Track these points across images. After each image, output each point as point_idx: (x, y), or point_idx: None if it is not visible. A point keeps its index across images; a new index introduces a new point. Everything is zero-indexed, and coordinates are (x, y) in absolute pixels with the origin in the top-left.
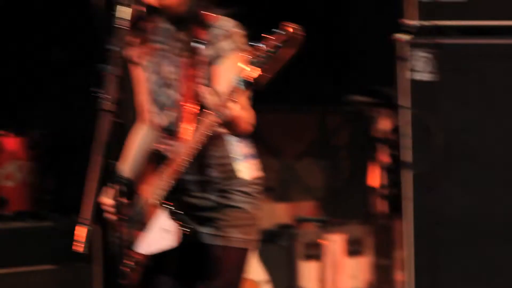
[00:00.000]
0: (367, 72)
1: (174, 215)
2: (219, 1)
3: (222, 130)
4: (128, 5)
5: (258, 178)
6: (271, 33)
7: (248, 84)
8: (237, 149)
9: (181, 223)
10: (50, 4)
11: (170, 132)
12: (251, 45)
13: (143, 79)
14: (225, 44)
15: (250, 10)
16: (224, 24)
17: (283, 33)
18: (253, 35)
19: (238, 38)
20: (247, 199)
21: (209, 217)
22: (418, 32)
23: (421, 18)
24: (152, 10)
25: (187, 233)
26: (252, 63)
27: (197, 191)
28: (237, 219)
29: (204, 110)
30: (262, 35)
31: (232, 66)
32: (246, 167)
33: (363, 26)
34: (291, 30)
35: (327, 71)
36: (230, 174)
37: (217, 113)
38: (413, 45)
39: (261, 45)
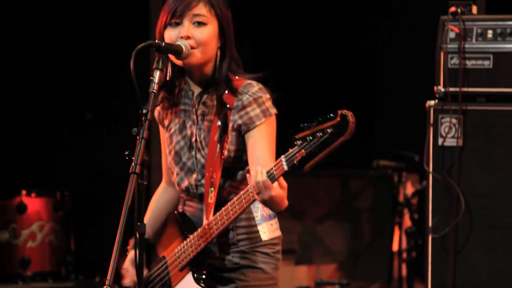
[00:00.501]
0: (392, 136)
1: (199, 279)
2: (243, 64)
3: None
4: (161, 69)
5: (277, 238)
6: (325, 117)
7: (293, 166)
8: (258, 211)
9: (205, 286)
10: (84, 66)
11: (192, 194)
12: (302, 126)
13: (167, 141)
14: (252, 111)
15: (275, 74)
16: (250, 88)
17: (334, 118)
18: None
19: (265, 102)
20: (266, 259)
21: (229, 277)
22: (445, 98)
23: (448, 84)
24: (180, 72)
25: None
26: (300, 145)
27: (217, 252)
28: (256, 279)
29: (230, 177)
30: (319, 118)
31: (264, 138)
32: (266, 228)
33: (390, 90)
34: (342, 116)
35: (352, 136)
36: (250, 235)
37: (258, 193)
38: (440, 111)
39: (309, 126)
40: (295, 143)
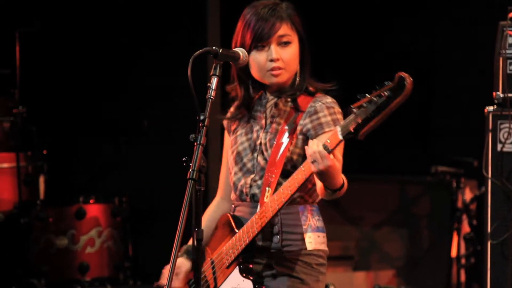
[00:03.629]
0: (450, 142)
1: (245, 272)
2: (316, 75)
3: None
4: (218, 76)
5: (323, 251)
6: (382, 85)
7: (348, 133)
8: (307, 220)
9: (253, 279)
10: (142, 75)
11: (245, 194)
12: (359, 96)
13: (232, 141)
14: (323, 117)
15: (347, 86)
16: (325, 98)
17: (392, 82)
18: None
19: (337, 114)
20: (308, 270)
21: (269, 285)
22: (504, 103)
23: (507, 90)
24: (259, 86)
25: None
26: (355, 113)
27: (260, 257)
28: None
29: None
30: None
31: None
32: (312, 239)
33: (448, 96)
34: (399, 77)
35: (409, 142)
36: (296, 242)
37: (314, 162)
38: (499, 117)
39: (365, 96)
40: (351, 111)
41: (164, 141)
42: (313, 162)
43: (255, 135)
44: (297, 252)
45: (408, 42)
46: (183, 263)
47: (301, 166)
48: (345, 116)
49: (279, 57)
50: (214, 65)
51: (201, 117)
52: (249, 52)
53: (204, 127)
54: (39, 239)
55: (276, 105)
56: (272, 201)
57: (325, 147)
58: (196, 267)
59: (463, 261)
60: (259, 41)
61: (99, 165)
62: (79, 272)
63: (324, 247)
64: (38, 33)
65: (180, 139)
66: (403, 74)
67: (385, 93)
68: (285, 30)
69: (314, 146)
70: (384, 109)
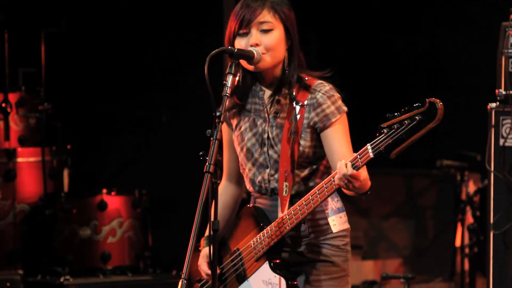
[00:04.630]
0: (455, 137)
1: (276, 268)
2: (310, 63)
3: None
4: (234, 74)
5: (346, 230)
6: (411, 106)
7: (379, 152)
8: (328, 204)
9: (284, 275)
10: (162, 72)
11: (264, 189)
12: (388, 115)
13: (231, 139)
14: (327, 108)
15: (344, 73)
16: (323, 87)
17: (423, 105)
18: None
19: (338, 100)
20: (337, 252)
21: (300, 271)
22: (506, 100)
23: (509, 87)
24: (251, 76)
25: (290, 285)
26: (386, 133)
27: (290, 245)
28: (327, 273)
29: (303, 171)
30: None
31: (341, 133)
32: (335, 221)
33: (453, 94)
34: (431, 103)
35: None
36: (321, 228)
37: (346, 184)
38: (501, 113)
39: (396, 115)
40: (382, 131)
41: (182, 136)
42: (346, 184)
43: (260, 129)
44: (324, 237)
45: (416, 41)
46: (208, 251)
47: (331, 178)
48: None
49: (258, 42)
50: (229, 64)
51: (217, 114)
52: (234, 40)
53: (220, 123)
54: (63, 229)
55: (278, 101)
56: (300, 207)
57: (353, 164)
58: (214, 256)
59: (467, 250)
60: (241, 28)
61: (121, 159)
62: (101, 261)
63: (346, 225)
64: (63, 33)
65: (197, 135)
66: (434, 99)
67: (417, 117)
68: (265, 17)
69: (343, 169)
70: (416, 133)
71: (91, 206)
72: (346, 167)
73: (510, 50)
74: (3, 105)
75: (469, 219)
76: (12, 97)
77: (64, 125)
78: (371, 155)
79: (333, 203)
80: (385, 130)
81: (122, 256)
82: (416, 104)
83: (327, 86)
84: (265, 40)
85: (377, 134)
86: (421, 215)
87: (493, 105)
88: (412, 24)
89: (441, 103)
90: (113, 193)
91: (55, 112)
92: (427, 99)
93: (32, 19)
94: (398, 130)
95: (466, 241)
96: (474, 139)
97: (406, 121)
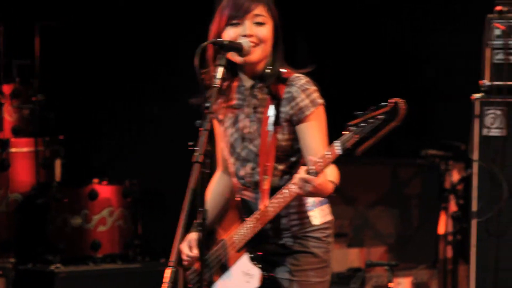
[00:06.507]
0: (440, 127)
1: (255, 260)
2: (299, 60)
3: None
4: (223, 66)
5: (328, 222)
6: (377, 106)
7: (346, 149)
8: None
9: (262, 267)
10: (155, 63)
11: (248, 182)
12: (355, 114)
13: (221, 133)
14: (301, 102)
15: (320, 66)
16: (298, 81)
17: (387, 105)
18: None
19: (313, 93)
20: (318, 244)
21: (282, 262)
22: (490, 91)
23: (493, 78)
24: (233, 69)
25: (266, 277)
26: (353, 131)
27: (271, 237)
28: (308, 263)
29: (282, 164)
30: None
31: (315, 127)
32: (318, 213)
33: (439, 85)
34: (395, 103)
35: (402, 127)
36: (303, 221)
37: (300, 188)
38: (485, 103)
39: (363, 114)
40: (349, 129)
41: (173, 127)
42: (300, 188)
43: (241, 124)
44: (306, 229)
45: (403, 32)
46: (195, 235)
47: (288, 189)
48: (333, 101)
49: (253, 33)
50: (219, 56)
51: (207, 104)
52: (222, 31)
53: (209, 114)
54: (55, 218)
55: (255, 96)
56: (277, 201)
57: (311, 172)
58: (202, 244)
59: (450, 238)
60: (234, 18)
61: (112, 149)
62: (92, 249)
63: (329, 217)
64: (57, 26)
65: (188, 126)
66: (397, 99)
67: (381, 116)
68: (260, 11)
69: (300, 173)
70: (379, 131)
71: (82, 195)
72: (303, 171)
73: (494, 42)
74: None
75: (453, 207)
76: (7, 89)
77: (57, 116)
78: (339, 151)
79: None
80: (351, 128)
81: (112, 245)
82: (381, 104)
83: (303, 80)
84: (259, 33)
85: (344, 132)
86: (406, 204)
87: (478, 95)
88: (398, 16)
89: (403, 104)
90: (104, 182)
91: (48, 104)
92: (390, 100)
93: (26, 12)
94: (363, 129)
95: (450, 229)
96: (459, 129)
97: (371, 120)
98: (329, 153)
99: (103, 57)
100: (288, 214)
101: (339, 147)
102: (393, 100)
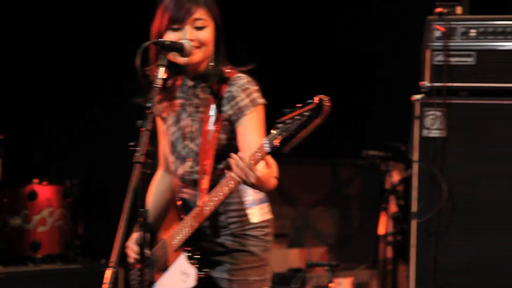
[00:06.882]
0: (380, 128)
1: (192, 259)
2: (240, 60)
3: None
4: (165, 66)
5: (267, 220)
6: (304, 103)
7: (274, 147)
8: (249, 194)
9: (198, 266)
10: (95, 63)
11: (187, 181)
12: (281, 112)
13: (164, 131)
14: (241, 101)
15: (262, 66)
16: (239, 80)
17: (312, 102)
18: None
19: (253, 93)
20: (256, 242)
21: (221, 260)
22: (430, 92)
23: (433, 79)
24: (175, 68)
25: (203, 276)
26: (280, 128)
27: (210, 235)
28: (247, 262)
29: (222, 163)
30: (296, 105)
31: (254, 125)
32: (257, 211)
33: (379, 86)
34: (319, 100)
35: (342, 128)
36: (241, 219)
37: (243, 179)
38: (425, 104)
39: (290, 111)
40: (276, 126)
41: (115, 127)
42: (244, 177)
43: (183, 123)
44: (244, 227)
45: (344, 36)
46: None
47: (231, 174)
48: (277, 102)
49: (193, 38)
50: (160, 56)
51: (148, 104)
52: (164, 33)
53: (151, 114)
54: None
55: (197, 95)
56: (212, 198)
57: (249, 164)
58: (142, 244)
59: (390, 238)
60: (175, 23)
61: (53, 149)
62: (32, 249)
63: (268, 216)
64: None
65: (130, 125)
66: (322, 96)
67: (306, 113)
68: (201, 14)
69: (239, 163)
70: (305, 127)
71: (22, 195)
72: (243, 160)
73: (434, 43)
74: None
75: (393, 208)
76: None
77: None
78: (267, 149)
79: (256, 194)
80: (278, 126)
81: (52, 245)
82: (307, 101)
83: (244, 79)
84: (200, 37)
85: (272, 130)
86: (346, 204)
87: (418, 97)
88: (339, 17)
89: (328, 101)
90: (44, 183)
91: None
92: (315, 97)
93: None
94: (289, 126)
95: (390, 229)
96: (399, 130)
97: (297, 117)
98: (259, 151)
99: (42, 55)
100: (226, 211)
101: (268, 145)
102: (318, 97)
